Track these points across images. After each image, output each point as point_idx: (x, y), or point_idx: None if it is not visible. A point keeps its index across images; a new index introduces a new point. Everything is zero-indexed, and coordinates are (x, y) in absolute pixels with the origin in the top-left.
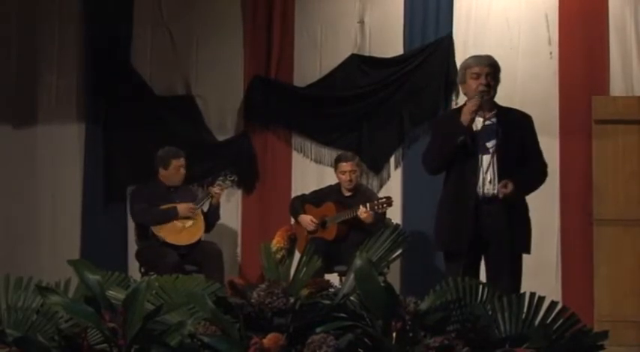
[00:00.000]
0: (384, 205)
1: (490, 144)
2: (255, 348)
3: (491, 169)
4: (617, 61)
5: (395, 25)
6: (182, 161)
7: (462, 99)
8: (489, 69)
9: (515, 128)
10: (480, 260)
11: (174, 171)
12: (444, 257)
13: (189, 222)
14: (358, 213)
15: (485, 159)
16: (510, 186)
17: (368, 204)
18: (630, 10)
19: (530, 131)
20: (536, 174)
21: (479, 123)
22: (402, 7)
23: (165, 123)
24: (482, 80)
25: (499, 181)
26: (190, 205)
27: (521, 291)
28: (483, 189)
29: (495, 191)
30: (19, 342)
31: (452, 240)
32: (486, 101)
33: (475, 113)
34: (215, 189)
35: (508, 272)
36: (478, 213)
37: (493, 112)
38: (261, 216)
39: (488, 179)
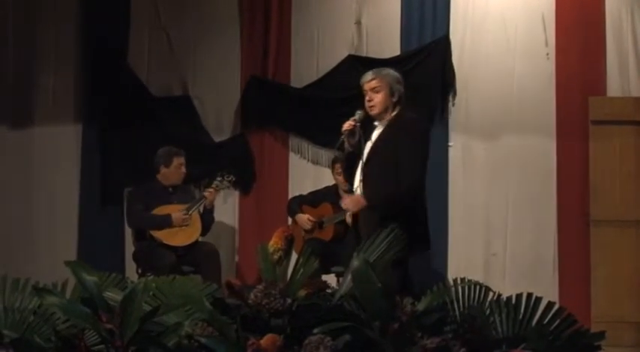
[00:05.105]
0: None
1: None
2: (252, 349)
3: (360, 183)
4: (613, 62)
5: (392, 26)
6: (183, 159)
7: (458, 100)
8: (369, 84)
9: (386, 140)
10: None
11: (175, 169)
12: None
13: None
14: (347, 215)
15: (358, 173)
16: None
17: None
18: (627, 10)
19: (401, 141)
20: (385, 190)
21: (373, 136)
22: (399, 8)
23: (162, 124)
24: (367, 97)
25: (363, 194)
26: (184, 215)
27: (519, 292)
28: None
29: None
30: (17, 343)
31: None
32: (374, 116)
33: (344, 134)
34: (209, 190)
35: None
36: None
37: (384, 125)
38: (258, 217)
39: (358, 191)
